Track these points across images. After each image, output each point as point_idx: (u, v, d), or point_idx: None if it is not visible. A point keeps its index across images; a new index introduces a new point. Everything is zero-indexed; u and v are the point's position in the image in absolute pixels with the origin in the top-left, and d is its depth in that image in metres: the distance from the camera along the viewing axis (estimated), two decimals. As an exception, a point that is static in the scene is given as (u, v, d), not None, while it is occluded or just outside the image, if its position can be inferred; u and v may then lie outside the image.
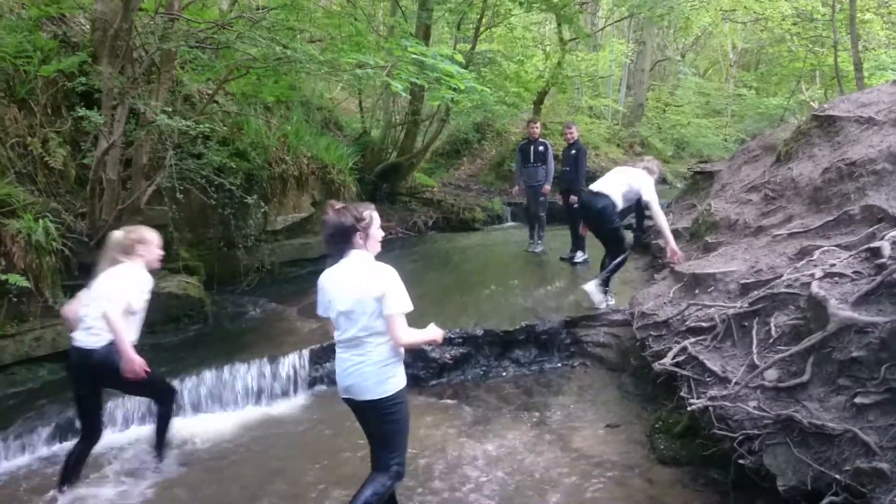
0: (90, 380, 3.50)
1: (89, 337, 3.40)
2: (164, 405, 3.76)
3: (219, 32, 5.47)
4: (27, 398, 4.46)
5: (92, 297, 3.43)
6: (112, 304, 3.26)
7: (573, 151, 7.71)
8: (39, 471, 3.88)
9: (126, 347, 3.28)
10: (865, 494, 2.59)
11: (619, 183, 5.79)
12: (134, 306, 3.41)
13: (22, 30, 5.36)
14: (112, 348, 3.32)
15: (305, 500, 3.59)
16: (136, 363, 3.30)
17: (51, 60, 5.28)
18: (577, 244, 7.80)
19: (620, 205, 5.78)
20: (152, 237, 3.60)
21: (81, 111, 4.83)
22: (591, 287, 5.78)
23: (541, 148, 8.15)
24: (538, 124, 8.46)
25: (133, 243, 3.51)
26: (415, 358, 5.22)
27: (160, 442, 3.82)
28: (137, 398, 4.25)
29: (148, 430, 4.05)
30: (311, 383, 5.12)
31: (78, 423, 3.67)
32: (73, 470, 3.52)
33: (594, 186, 5.88)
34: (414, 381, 5.19)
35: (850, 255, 3.72)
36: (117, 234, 3.55)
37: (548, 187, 8.23)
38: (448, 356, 5.30)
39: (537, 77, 14.31)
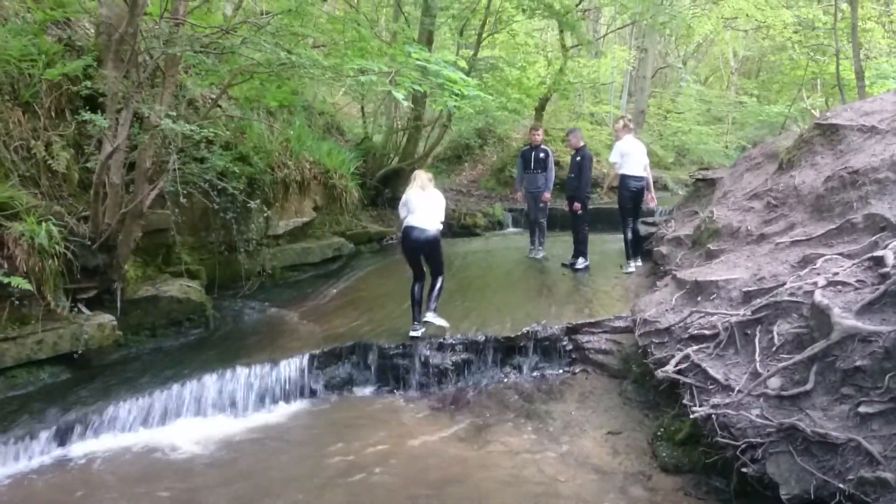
0: (421, 251, 5.52)
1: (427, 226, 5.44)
2: (439, 277, 5.61)
3: (223, 37, 5.49)
4: (27, 401, 4.45)
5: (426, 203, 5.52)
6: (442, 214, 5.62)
7: (578, 158, 7.71)
8: (39, 474, 3.87)
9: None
10: (869, 504, 2.58)
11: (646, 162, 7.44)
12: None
13: (27, 33, 5.38)
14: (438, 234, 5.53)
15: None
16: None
17: (55, 64, 5.29)
18: (579, 250, 7.80)
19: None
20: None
21: (86, 115, 4.84)
22: (632, 268, 7.48)
23: (541, 154, 8.15)
24: (540, 131, 8.46)
25: (431, 179, 5.68)
26: (416, 364, 5.21)
27: (432, 297, 5.54)
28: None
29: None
30: (312, 388, 5.12)
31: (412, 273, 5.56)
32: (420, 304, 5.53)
33: (634, 172, 7.30)
34: (415, 387, 5.20)
35: (853, 264, 3.72)
36: (424, 172, 5.76)
37: (548, 194, 8.23)
38: (449, 362, 5.29)
39: (539, 83, 14.32)
